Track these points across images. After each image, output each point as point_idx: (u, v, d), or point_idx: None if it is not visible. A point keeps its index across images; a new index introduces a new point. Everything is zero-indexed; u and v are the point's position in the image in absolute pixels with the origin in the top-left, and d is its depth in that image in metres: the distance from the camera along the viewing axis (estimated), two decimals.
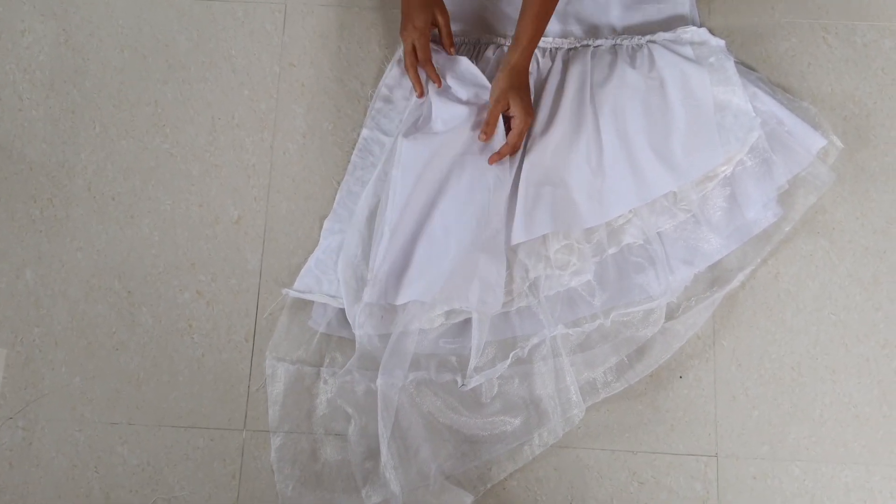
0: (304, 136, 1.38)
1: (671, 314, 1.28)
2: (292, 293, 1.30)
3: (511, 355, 1.25)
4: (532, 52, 1.27)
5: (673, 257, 1.29)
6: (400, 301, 1.24)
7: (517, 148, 1.29)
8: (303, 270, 1.32)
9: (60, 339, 1.32)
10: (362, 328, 1.25)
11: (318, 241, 1.34)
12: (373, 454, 1.24)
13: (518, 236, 1.25)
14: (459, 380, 1.25)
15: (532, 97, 1.32)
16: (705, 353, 1.30)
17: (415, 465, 1.23)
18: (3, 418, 1.30)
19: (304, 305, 1.32)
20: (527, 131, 1.29)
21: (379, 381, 1.23)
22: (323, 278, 1.31)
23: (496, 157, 1.27)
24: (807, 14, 1.42)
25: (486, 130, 1.27)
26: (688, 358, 1.29)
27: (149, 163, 1.38)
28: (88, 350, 1.32)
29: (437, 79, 1.33)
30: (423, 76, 1.35)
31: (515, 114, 1.26)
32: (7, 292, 1.34)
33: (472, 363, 1.24)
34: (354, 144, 1.37)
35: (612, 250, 1.28)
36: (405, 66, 1.34)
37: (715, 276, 1.30)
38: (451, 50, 1.35)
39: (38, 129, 1.40)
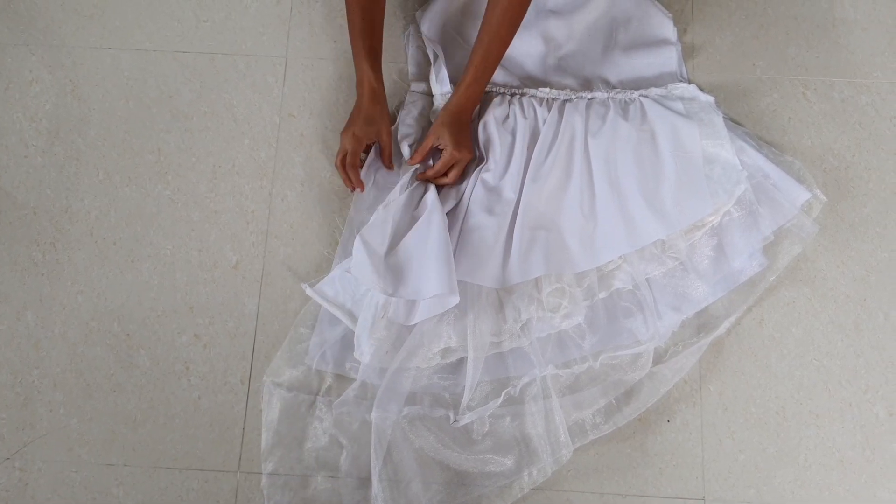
0: (303, 183, 1.42)
1: (658, 359, 1.31)
2: (309, 291, 1.33)
3: (503, 393, 1.28)
4: (473, 93, 1.35)
5: (661, 303, 1.33)
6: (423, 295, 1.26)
7: (438, 175, 1.36)
8: (327, 277, 1.34)
9: (59, 380, 1.34)
10: (366, 357, 1.28)
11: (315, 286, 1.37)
12: (363, 484, 1.27)
13: (512, 278, 1.28)
14: (452, 416, 1.28)
15: (525, 145, 1.38)
16: (692, 398, 1.32)
17: (405, 498, 1.25)
18: (1, 459, 1.31)
19: (303, 338, 1.34)
20: (460, 167, 1.36)
21: (373, 415, 1.25)
22: (341, 292, 1.33)
23: (422, 175, 1.36)
24: (787, 71, 1.47)
25: (414, 157, 1.36)
26: (675, 402, 1.32)
27: (150, 209, 1.42)
28: (86, 392, 1.34)
29: (361, 185, 1.37)
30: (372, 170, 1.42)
31: (444, 146, 1.34)
32: (8, 334, 1.36)
33: (465, 400, 1.27)
34: (350, 193, 1.41)
35: (602, 295, 1.31)
36: (336, 163, 1.37)
37: (702, 322, 1.34)
38: (391, 166, 1.40)
39: (42, 176, 1.43)
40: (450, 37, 1.48)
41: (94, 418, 1.33)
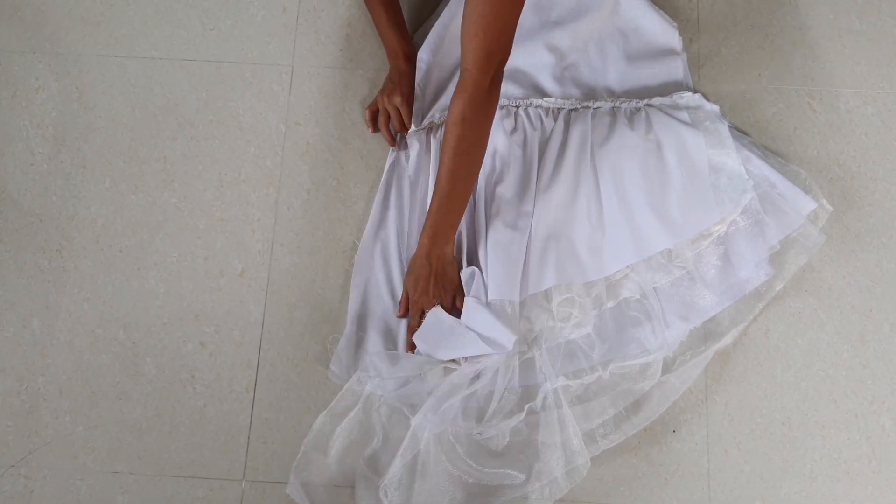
0: (309, 191, 1.43)
1: (666, 368, 1.30)
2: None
3: (526, 407, 1.27)
4: (436, 240, 1.31)
5: (669, 312, 1.32)
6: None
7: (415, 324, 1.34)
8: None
9: (65, 388, 1.34)
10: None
11: (319, 294, 1.37)
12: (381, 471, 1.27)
13: (528, 289, 1.30)
14: (475, 427, 1.27)
15: (535, 156, 1.39)
16: (698, 408, 1.32)
17: (416, 502, 1.25)
18: (6, 466, 1.31)
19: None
20: (418, 308, 1.34)
21: (416, 419, 1.25)
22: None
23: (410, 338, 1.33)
24: (793, 81, 1.47)
25: (399, 311, 1.36)
26: (681, 412, 1.32)
27: (157, 217, 1.42)
28: (92, 399, 1.34)
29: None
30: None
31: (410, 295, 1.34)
32: (14, 341, 1.36)
33: (491, 410, 1.27)
34: (356, 200, 1.42)
35: (610, 304, 1.31)
36: (380, 123, 1.44)
37: (708, 330, 1.34)
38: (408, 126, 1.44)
39: (49, 183, 1.44)
40: (446, 52, 1.48)
41: (99, 426, 1.33)
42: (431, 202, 1.30)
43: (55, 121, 1.47)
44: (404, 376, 1.29)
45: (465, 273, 1.33)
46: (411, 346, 1.32)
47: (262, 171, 1.44)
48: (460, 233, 1.36)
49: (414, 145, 1.42)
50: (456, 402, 1.27)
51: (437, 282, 1.32)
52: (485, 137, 1.29)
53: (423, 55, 1.45)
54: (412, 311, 1.33)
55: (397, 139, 1.44)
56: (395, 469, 1.24)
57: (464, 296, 1.32)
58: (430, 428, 1.25)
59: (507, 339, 1.26)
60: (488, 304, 1.28)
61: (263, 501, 1.29)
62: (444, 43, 1.46)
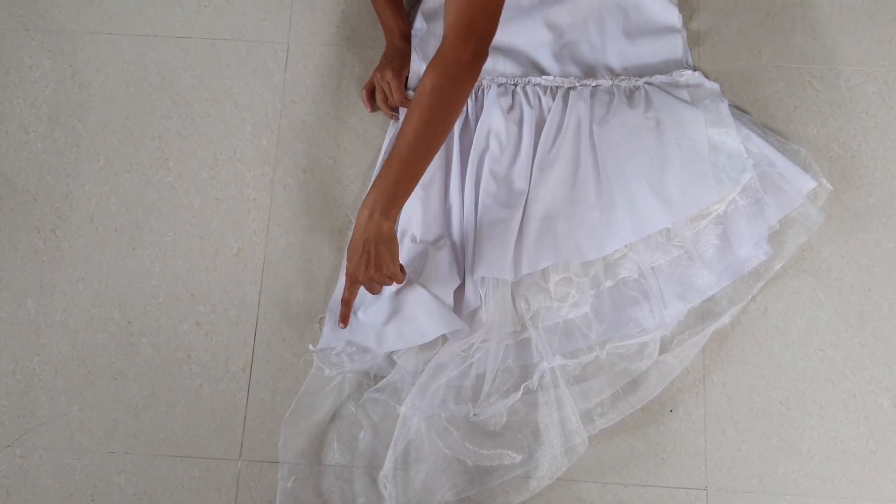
0: (305, 171, 1.42)
1: (664, 348, 1.30)
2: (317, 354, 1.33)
3: (522, 387, 1.27)
4: (373, 212, 1.18)
5: (667, 292, 1.32)
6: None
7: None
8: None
9: (60, 367, 1.34)
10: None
11: (315, 274, 1.37)
12: (377, 465, 1.27)
13: (524, 268, 1.29)
14: (471, 408, 1.27)
15: (533, 135, 1.38)
16: (695, 388, 1.32)
17: (414, 487, 1.24)
18: (2, 446, 1.31)
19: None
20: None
21: (403, 408, 1.25)
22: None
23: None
24: (793, 59, 1.46)
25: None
26: (678, 392, 1.31)
27: (151, 196, 1.41)
28: (87, 379, 1.33)
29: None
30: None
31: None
32: (8, 321, 1.36)
33: (485, 391, 1.27)
34: (352, 180, 1.41)
35: (608, 283, 1.31)
36: (378, 101, 1.42)
37: (706, 310, 1.33)
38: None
39: (43, 162, 1.43)
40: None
41: (95, 406, 1.33)
42: (381, 169, 1.19)
43: (49, 99, 1.46)
44: (359, 369, 1.30)
45: (414, 249, 1.31)
46: (344, 319, 1.25)
47: (257, 150, 1.43)
48: (450, 208, 1.35)
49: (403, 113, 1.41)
50: (443, 385, 1.27)
51: (369, 260, 1.19)
52: (454, 114, 1.22)
53: (417, 24, 1.44)
54: (346, 282, 1.23)
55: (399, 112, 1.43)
56: (390, 460, 1.24)
57: (403, 275, 1.25)
58: (419, 414, 1.25)
59: (448, 323, 1.25)
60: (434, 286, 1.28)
61: (259, 481, 1.29)
62: (441, 12, 1.44)
